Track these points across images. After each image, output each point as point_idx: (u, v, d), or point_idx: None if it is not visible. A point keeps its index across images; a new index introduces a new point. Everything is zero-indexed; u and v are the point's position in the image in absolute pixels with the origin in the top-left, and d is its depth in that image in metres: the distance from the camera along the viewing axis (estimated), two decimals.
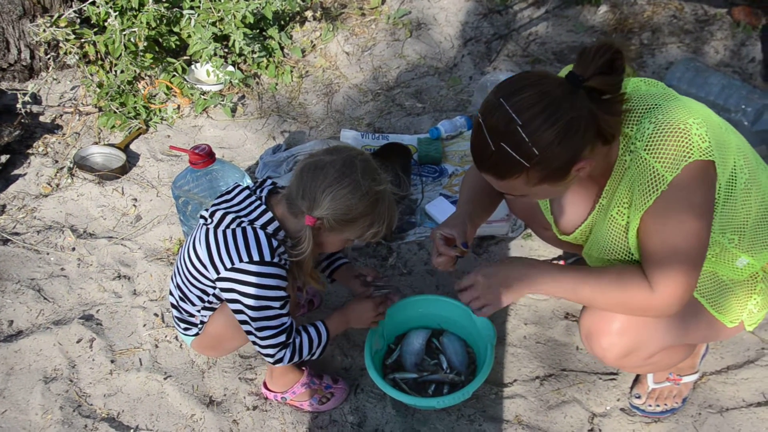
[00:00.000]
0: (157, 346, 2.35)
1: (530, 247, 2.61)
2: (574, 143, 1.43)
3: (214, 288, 1.86)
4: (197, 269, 1.86)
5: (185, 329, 2.04)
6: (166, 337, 2.37)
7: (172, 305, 2.05)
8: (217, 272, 1.80)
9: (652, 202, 1.49)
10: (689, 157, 1.44)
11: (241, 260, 1.75)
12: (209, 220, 1.83)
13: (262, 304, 1.78)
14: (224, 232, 1.79)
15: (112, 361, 2.31)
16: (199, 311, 1.97)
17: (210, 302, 1.93)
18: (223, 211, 1.81)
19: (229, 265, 1.77)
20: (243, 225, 1.78)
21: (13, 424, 2.15)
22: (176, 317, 2.05)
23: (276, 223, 1.79)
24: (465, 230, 1.86)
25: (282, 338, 1.84)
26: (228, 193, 1.89)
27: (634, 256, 1.62)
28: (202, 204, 2.31)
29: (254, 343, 1.86)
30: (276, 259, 1.78)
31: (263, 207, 1.80)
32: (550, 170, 1.47)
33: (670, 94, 1.59)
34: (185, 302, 1.97)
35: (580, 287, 1.64)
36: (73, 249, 2.73)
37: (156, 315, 2.45)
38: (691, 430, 2.01)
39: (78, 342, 2.37)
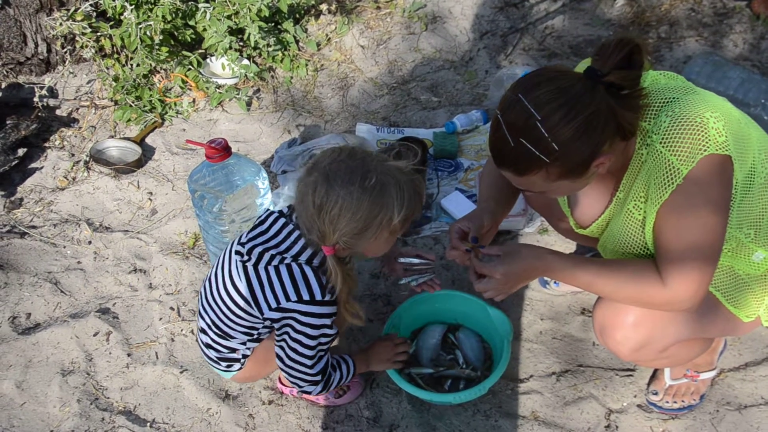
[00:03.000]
0: (173, 340, 2.36)
1: (546, 242, 2.59)
2: (593, 138, 1.43)
3: (263, 322, 1.80)
4: (240, 307, 1.78)
5: (228, 367, 1.97)
6: (182, 330, 2.38)
7: (207, 345, 1.95)
8: (262, 313, 1.74)
9: (668, 195, 1.48)
10: (705, 150, 1.43)
11: (288, 300, 1.69)
12: (247, 258, 1.73)
13: (313, 343, 1.74)
14: (266, 269, 1.71)
15: (129, 355, 2.33)
16: (243, 344, 1.90)
17: (259, 334, 1.87)
18: (261, 248, 1.71)
19: (274, 305, 1.71)
20: (286, 261, 1.70)
21: (32, 416, 2.17)
22: (215, 357, 1.96)
23: (322, 255, 1.70)
24: (481, 225, 1.84)
25: (317, 377, 1.82)
26: (261, 224, 1.78)
27: (650, 251, 1.61)
28: (218, 198, 2.31)
29: (283, 371, 1.82)
30: (327, 297, 1.71)
31: (303, 240, 1.70)
32: (570, 166, 1.46)
33: (689, 87, 1.57)
34: (226, 339, 1.89)
35: (596, 281, 1.64)
36: (90, 242, 2.75)
37: (172, 309, 2.46)
38: (709, 427, 2.00)
39: (95, 335, 2.39)
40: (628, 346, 1.72)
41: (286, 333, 1.74)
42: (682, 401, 2.03)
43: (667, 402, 2.03)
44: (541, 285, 2.42)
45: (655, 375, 2.10)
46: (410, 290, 2.08)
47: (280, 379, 2.15)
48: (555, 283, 2.38)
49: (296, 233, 1.71)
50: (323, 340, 1.76)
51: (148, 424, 2.13)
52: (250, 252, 1.73)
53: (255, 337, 1.88)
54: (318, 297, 1.69)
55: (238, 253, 1.77)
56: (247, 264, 1.74)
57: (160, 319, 2.43)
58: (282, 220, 1.76)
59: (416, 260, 2.02)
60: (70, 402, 2.19)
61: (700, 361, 2.01)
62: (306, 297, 1.68)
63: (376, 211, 1.60)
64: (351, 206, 1.58)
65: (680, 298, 1.52)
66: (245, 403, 2.16)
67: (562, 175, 1.48)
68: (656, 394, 2.05)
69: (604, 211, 1.75)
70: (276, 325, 1.76)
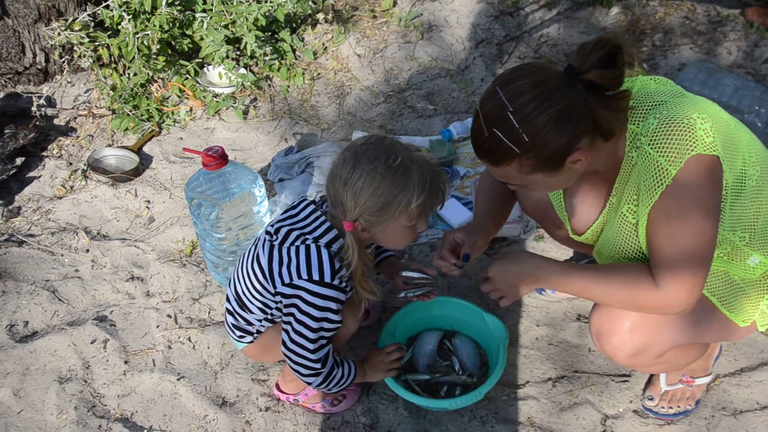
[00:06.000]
0: (170, 347, 2.36)
1: (542, 248, 2.60)
2: (565, 132, 1.45)
3: (276, 303, 1.86)
4: (259, 281, 1.86)
5: (240, 337, 2.03)
6: (179, 338, 2.39)
7: (228, 311, 2.04)
8: (275, 286, 1.80)
9: (658, 197, 1.49)
10: (692, 150, 1.44)
11: (300, 277, 1.74)
12: (274, 237, 1.82)
13: (316, 326, 1.77)
14: (288, 248, 1.78)
15: (126, 362, 2.33)
16: (259, 321, 1.96)
17: (272, 315, 1.93)
18: (288, 228, 1.80)
19: (287, 281, 1.76)
20: (307, 242, 1.76)
21: (29, 423, 2.17)
22: (232, 324, 2.03)
23: (341, 241, 1.77)
24: (476, 241, 1.89)
25: (318, 365, 1.83)
26: (293, 208, 1.87)
27: (645, 254, 1.62)
28: (215, 205, 2.32)
29: (286, 355, 1.84)
30: (336, 281, 1.76)
31: (328, 224, 1.78)
32: (542, 158, 1.48)
33: (678, 91, 1.59)
34: (245, 311, 1.96)
35: (590, 286, 1.65)
36: (87, 250, 2.75)
37: (169, 316, 2.46)
38: None
39: (92, 343, 2.39)
40: (624, 352, 1.72)
41: (292, 314, 1.78)
42: (678, 407, 2.03)
43: (663, 407, 2.04)
44: (538, 292, 2.43)
45: (650, 380, 2.11)
46: (406, 300, 2.13)
47: (277, 385, 2.16)
48: (551, 289, 2.39)
49: (322, 218, 1.79)
50: (326, 325, 1.79)
51: (145, 431, 2.13)
52: (277, 231, 1.82)
53: (269, 315, 1.93)
54: (327, 279, 1.74)
55: (267, 233, 1.86)
56: (274, 243, 1.82)
57: (158, 326, 2.43)
58: (312, 207, 1.84)
59: (417, 274, 2.06)
60: (68, 409, 2.19)
61: (695, 366, 2.01)
62: (316, 277, 1.73)
63: (396, 190, 1.68)
64: (374, 181, 1.67)
65: (674, 301, 1.53)
66: (242, 409, 2.16)
67: (535, 167, 1.50)
68: (652, 399, 2.06)
69: (598, 216, 1.76)
70: (285, 302, 1.79)
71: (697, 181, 1.47)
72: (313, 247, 1.75)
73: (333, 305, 1.77)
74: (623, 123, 1.54)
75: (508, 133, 1.45)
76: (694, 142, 1.44)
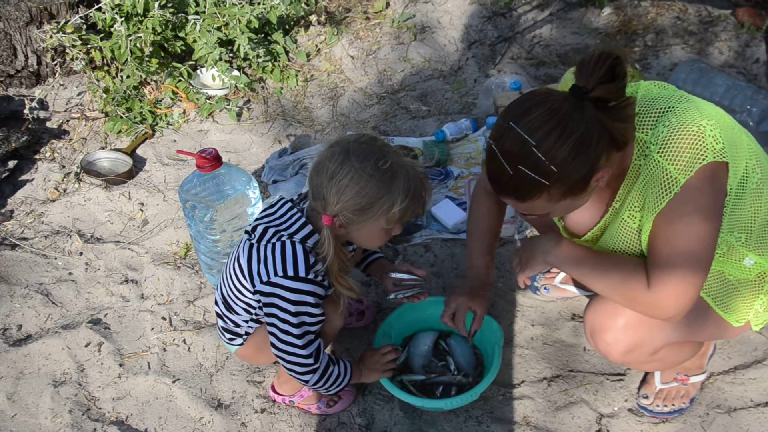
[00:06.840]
0: (165, 350, 2.36)
1: None
2: (589, 155, 1.44)
3: (258, 302, 1.87)
4: (240, 282, 1.86)
5: (230, 339, 2.04)
6: (174, 340, 2.38)
7: (217, 315, 2.04)
8: (254, 285, 1.81)
9: (666, 204, 1.49)
10: (704, 159, 1.44)
11: (276, 274, 1.75)
12: (252, 236, 1.83)
13: (296, 321, 1.78)
14: (265, 246, 1.79)
15: (121, 365, 2.32)
16: (246, 322, 1.97)
17: (257, 314, 1.93)
18: (265, 225, 1.81)
19: (265, 279, 1.77)
20: (282, 239, 1.77)
21: (23, 428, 2.16)
22: (222, 327, 2.04)
23: (317, 236, 1.78)
24: (483, 308, 2.07)
25: (310, 360, 1.83)
26: (271, 206, 1.88)
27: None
28: (209, 207, 2.32)
29: (278, 356, 1.84)
30: (312, 276, 1.76)
31: (303, 220, 1.79)
32: (571, 184, 1.47)
33: (682, 95, 1.59)
34: (231, 313, 1.97)
35: (593, 279, 1.68)
36: (81, 253, 2.75)
37: (164, 318, 2.45)
38: (699, 430, 2.01)
39: (86, 346, 2.38)
40: (618, 349, 1.73)
41: (274, 314, 1.78)
42: (673, 405, 2.04)
43: (658, 406, 2.04)
44: (533, 291, 2.43)
45: (645, 379, 2.12)
46: (396, 302, 2.14)
47: (273, 387, 2.16)
48: (545, 289, 2.40)
49: (298, 215, 1.80)
50: (307, 319, 1.79)
51: None
52: (254, 229, 1.83)
53: (254, 315, 1.94)
54: (301, 274, 1.74)
55: (246, 232, 1.88)
56: (252, 242, 1.83)
57: (152, 329, 2.43)
58: (289, 204, 1.85)
59: (406, 276, 2.07)
60: (62, 413, 2.18)
61: (689, 364, 2.02)
62: (290, 272, 1.74)
63: (381, 193, 1.68)
64: (360, 180, 1.67)
65: (662, 303, 1.53)
66: (238, 411, 2.16)
67: (564, 194, 1.49)
68: (647, 397, 2.06)
69: (599, 220, 1.76)
70: (264, 300, 1.79)
71: (703, 187, 1.47)
72: (288, 243, 1.76)
73: (310, 299, 1.78)
74: (633, 130, 1.54)
75: (534, 168, 1.43)
76: (704, 151, 1.45)
